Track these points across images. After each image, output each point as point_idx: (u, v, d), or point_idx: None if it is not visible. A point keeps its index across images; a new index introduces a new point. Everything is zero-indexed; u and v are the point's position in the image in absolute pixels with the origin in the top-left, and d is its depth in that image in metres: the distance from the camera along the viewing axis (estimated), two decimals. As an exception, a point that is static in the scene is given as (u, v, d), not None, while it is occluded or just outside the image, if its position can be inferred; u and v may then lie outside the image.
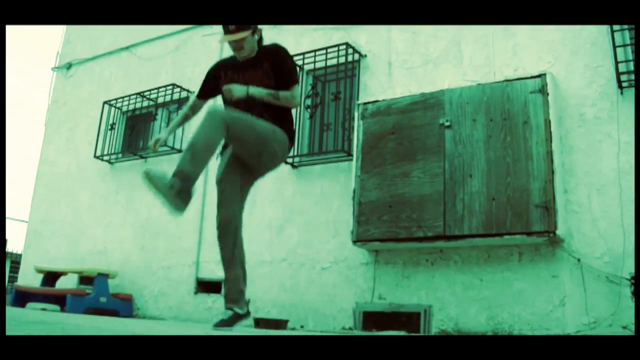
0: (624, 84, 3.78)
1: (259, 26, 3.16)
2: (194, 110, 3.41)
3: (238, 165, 3.09)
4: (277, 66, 3.09)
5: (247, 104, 3.01)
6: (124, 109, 6.78)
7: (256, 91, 3.01)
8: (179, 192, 2.59)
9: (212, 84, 3.30)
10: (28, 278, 6.67)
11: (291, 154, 4.95)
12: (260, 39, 3.19)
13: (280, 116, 3.09)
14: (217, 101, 3.39)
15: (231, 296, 2.99)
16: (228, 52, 6.04)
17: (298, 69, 5.28)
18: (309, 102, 5.30)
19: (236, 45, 3.10)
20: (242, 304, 2.99)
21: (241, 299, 3.00)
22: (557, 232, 3.55)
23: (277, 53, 3.14)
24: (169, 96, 6.27)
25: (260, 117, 2.97)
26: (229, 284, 3.01)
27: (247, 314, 3.01)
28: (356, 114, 4.56)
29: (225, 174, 3.09)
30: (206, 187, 5.62)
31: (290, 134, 3.15)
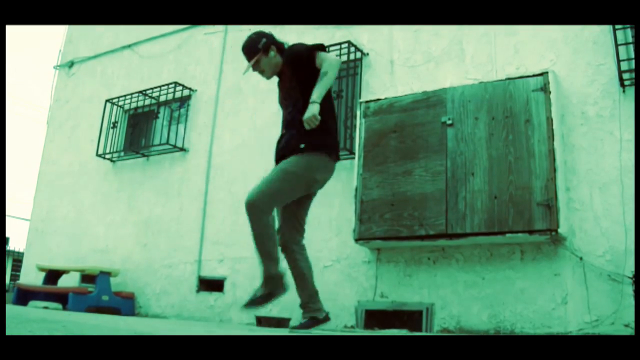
0: (626, 82, 3.76)
1: (270, 41, 3.27)
2: None
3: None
4: (296, 62, 3.21)
5: (287, 124, 3.27)
6: (126, 107, 6.78)
7: (317, 96, 3.02)
8: (266, 295, 3.09)
9: None
10: (30, 276, 6.68)
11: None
12: (280, 50, 3.30)
13: (311, 130, 3.14)
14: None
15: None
16: (229, 50, 6.06)
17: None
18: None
19: (256, 69, 3.31)
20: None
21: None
22: (559, 230, 3.55)
23: (289, 54, 3.27)
24: (171, 94, 6.27)
25: (292, 137, 3.14)
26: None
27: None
28: (358, 112, 4.55)
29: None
30: (207, 187, 5.63)
31: (321, 143, 3.17)
